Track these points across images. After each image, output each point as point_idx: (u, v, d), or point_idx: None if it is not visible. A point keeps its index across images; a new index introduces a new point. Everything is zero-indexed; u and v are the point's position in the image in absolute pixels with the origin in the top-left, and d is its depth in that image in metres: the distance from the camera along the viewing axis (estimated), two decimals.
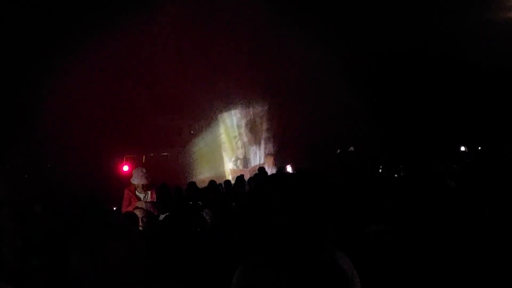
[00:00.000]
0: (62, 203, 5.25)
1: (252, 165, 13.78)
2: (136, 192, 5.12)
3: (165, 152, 13.74)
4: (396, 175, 6.02)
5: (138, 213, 3.85)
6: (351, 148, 7.72)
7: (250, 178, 7.95)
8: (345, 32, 11.90)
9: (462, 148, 10.97)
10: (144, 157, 13.22)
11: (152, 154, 13.28)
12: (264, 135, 14.01)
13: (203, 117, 13.88)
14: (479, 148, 10.03)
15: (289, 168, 11.60)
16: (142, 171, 5.20)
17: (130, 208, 4.63)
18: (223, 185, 8.03)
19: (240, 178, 7.96)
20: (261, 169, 9.76)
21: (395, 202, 2.98)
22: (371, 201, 2.95)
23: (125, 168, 11.90)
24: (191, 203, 6.07)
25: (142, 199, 5.09)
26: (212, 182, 7.43)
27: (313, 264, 1.77)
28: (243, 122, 14.26)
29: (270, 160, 13.01)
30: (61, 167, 11.02)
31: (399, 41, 11.76)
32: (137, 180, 5.06)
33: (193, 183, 7.69)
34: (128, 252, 1.30)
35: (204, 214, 4.19)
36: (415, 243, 2.44)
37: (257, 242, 1.93)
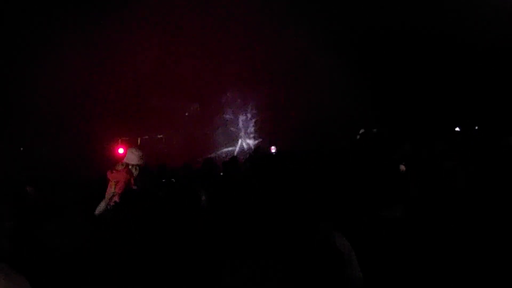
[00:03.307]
0: (54, 186, 5.20)
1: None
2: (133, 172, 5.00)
3: (160, 134, 13.70)
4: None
5: None
6: (374, 130, 7.67)
7: (246, 159, 7.89)
8: (340, 9, 11.72)
9: (457, 128, 10.92)
10: (139, 139, 13.17)
11: (146, 136, 13.24)
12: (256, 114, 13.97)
13: (197, 98, 13.79)
14: (476, 128, 9.99)
15: (273, 149, 11.60)
16: (139, 151, 5.12)
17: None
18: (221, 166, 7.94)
19: (233, 160, 7.88)
20: (257, 150, 9.71)
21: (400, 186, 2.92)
22: (385, 185, 2.88)
23: (120, 150, 11.84)
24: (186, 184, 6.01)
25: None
26: (207, 161, 7.33)
27: (307, 244, 1.73)
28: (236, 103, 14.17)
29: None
30: (56, 149, 10.95)
31: (393, 17, 11.58)
32: (136, 160, 4.96)
33: (189, 165, 7.65)
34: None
35: (200, 194, 4.15)
36: (420, 228, 2.40)
37: (251, 223, 1.88)
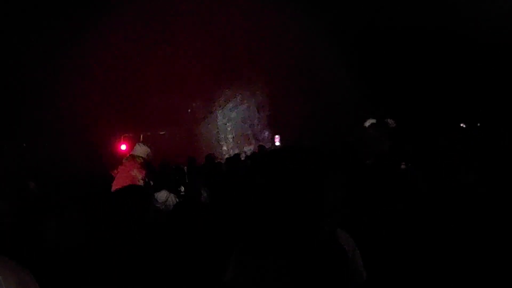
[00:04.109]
0: (56, 182, 5.21)
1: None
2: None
3: (162, 131, 13.69)
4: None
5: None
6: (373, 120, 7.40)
7: (248, 156, 7.87)
8: (342, 5, 11.67)
9: (462, 125, 10.86)
10: (141, 136, 13.17)
11: (149, 133, 13.24)
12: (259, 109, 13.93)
13: (200, 95, 13.77)
14: (478, 124, 9.94)
15: (276, 139, 11.59)
16: (146, 147, 5.21)
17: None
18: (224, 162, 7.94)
19: (236, 157, 7.88)
20: (261, 147, 9.68)
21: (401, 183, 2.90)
22: (385, 184, 2.85)
23: (123, 147, 11.85)
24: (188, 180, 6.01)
25: None
26: (208, 157, 7.32)
27: (310, 243, 1.70)
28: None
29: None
30: (58, 145, 10.97)
31: (397, 14, 11.51)
32: (142, 153, 5.05)
33: (194, 159, 7.68)
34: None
35: (202, 191, 4.15)
36: (422, 228, 2.37)
37: (252, 221, 1.86)
